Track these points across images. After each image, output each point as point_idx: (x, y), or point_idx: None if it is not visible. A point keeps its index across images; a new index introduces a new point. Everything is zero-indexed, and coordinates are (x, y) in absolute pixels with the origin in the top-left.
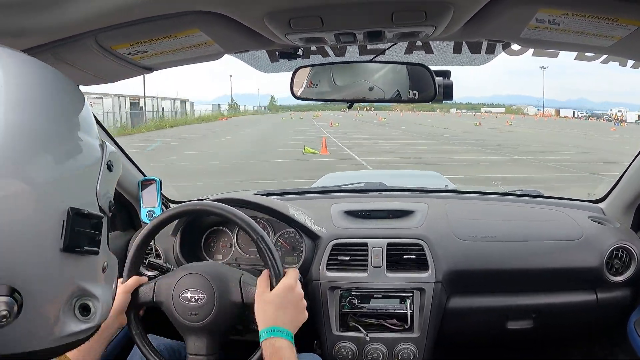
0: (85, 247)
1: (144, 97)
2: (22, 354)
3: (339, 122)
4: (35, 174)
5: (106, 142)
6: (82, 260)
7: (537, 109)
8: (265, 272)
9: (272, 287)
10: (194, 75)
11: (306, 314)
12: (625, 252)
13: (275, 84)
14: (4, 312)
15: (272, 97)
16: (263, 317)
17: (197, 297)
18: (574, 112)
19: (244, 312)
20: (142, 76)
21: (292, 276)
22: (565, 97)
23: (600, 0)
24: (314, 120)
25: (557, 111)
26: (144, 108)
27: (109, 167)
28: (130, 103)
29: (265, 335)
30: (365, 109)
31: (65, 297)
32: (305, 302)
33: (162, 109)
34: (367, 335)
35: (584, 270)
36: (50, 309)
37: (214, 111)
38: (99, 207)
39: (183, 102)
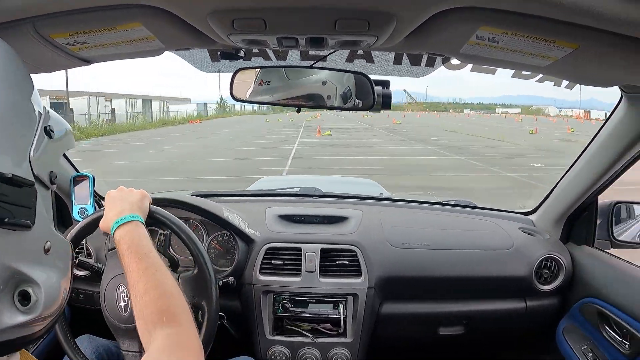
0: (10, 220)
1: (97, 95)
2: None
3: (335, 126)
4: None
5: (50, 111)
6: (12, 236)
7: (559, 110)
8: None
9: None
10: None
11: (147, 197)
12: (554, 263)
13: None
14: None
15: (221, 98)
16: (108, 215)
17: (126, 298)
18: (605, 113)
19: None
20: (65, 71)
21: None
22: (574, 97)
23: (540, 22)
24: (306, 122)
25: (588, 112)
26: (73, 109)
27: (48, 133)
28: (51, 103)
29: (115, 225)
30: None
31: None
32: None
33: (113, 110)
34: (315, 339)
35: (513, 279)
36: None
37: (199, 111)
38: (35, 176)
39: (147, 100)
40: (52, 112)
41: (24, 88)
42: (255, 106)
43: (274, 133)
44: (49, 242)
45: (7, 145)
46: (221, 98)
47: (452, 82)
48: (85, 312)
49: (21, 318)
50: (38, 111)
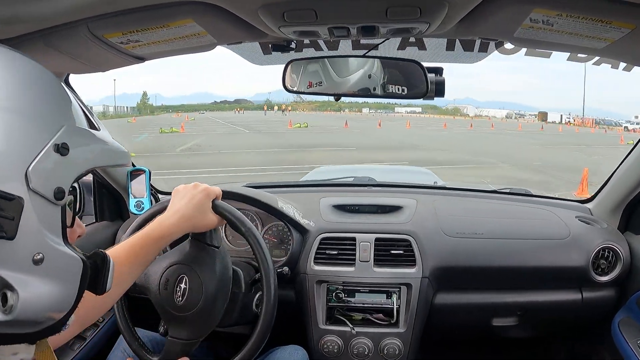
0: None
1: None
2: None
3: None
4: None
5: (72, 127)
6: None
7: (476, 108)
8: None
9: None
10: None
11: (209, 217)
12: (611, 253)
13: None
14: None
15: (144, 94)
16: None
17: (183, 286)
18: (561, 115)
19: (236, 300)
20: None
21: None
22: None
23: (594, 3)
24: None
25: (543, 114)
26: None
27: (59, 150)
28: None
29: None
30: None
31: None
32: (207, 204)
33: None
34: (353, 329)
35: (570, 269)
36: None
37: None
38: (30, 189)
39: None
40: (99, 133)
41: (49, 101)
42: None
43: None
44: (40, 254)
45: (6, 158)
46: (144, 93)
47: None
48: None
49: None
50: (63, 126)
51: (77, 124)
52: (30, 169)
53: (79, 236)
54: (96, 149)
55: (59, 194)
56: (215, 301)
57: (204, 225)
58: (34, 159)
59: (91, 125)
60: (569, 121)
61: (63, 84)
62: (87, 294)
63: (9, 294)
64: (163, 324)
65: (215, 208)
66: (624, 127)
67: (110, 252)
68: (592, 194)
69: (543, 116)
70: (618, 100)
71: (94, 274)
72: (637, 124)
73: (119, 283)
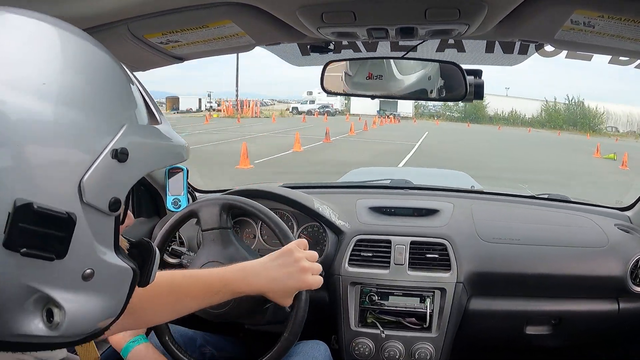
0: (34, 251)
1: None
2: None
3: None
4: None
5: (133, 126)
6: (41, 263)
7: None
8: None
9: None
10: None
11: (298, 279)
12: None
13: None
14: None
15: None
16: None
17: None
18: None
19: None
20: None
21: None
22: None
23: (637, 4)
24: None
25: None
26: None
27: (118, 156)
28: None
29: None
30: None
31: (22, 297)
32: (301, 266)
33: None
34: (383, 332)
35: (607, 278)
36: (5, 302)
37: None
38: (85, 202)
39: None
40: (161, 127)
41: (112, 93)
42: None
43: None
44: (89, 270)
45: (48, 170)
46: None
47: None
48: None
49: (45, 331)
50: (123, 125)
51: (139, 120)
52: (84, 179)
53: (125, 226)
54: (158, 149)
55: (114, 204)
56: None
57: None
58: (89, 168)
59: (151, 117)
60: None
61: (125, 68)
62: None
63: (55, 310)
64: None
65: (242, 206)
66: None
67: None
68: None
69: None
70: None
71: (138, 263)
72: None
73: (156, 309)
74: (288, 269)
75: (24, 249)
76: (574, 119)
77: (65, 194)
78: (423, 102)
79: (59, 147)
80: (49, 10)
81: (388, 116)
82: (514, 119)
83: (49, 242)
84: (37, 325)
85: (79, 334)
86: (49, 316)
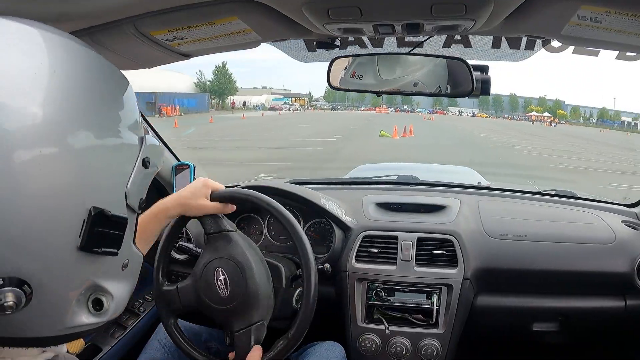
0: (103, 249)
1: None
2: (31, 339)
3: None
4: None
5: (146, 136)
6: (100, 259)
7: None
8: None
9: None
10: None
11: (202, 202)
12: None
13: None
14: (11, 303)
15: None
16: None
17: (222, 278)
18: None
19: (277, 295)
20: None
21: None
22: None
23: None
24: None
25: None
26: None
27: (145, 164)
28: None
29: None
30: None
31: (78, 292)
32: (201, 191)
33: None
34: (388, 329)
35: (614, 275)
36: (61, 301)
37: None
38: (127, 205)
39: None
40: (148, 137)
41: (131, 119)
42: None
43: None
44: (127, 260)
45: (109, 182)
46: None
47: None
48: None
49: (93, 320)
50: (139, 138)
51: (143, 132)
52: (128, 186)
53: None
54: (159, 151)
55: (142, 204)
56: (258, 270)
57: (195, 207)
58: (130, 177)
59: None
60: None
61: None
62: None
63: (103, 298)
64: (227, 334)
65: (212, 195)
66: None
67: None
68: None
69: None
70: None
71: None
72: None
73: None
74: (192, 183)
75: (101, 249)
76: None
77: (118, 200)
78: None
79: (115, 160)
80: (54, 8)
81: None
82: None
83: (114, 242)
84: (86, 315)
85: (116, 316)
86: (95, 305)
